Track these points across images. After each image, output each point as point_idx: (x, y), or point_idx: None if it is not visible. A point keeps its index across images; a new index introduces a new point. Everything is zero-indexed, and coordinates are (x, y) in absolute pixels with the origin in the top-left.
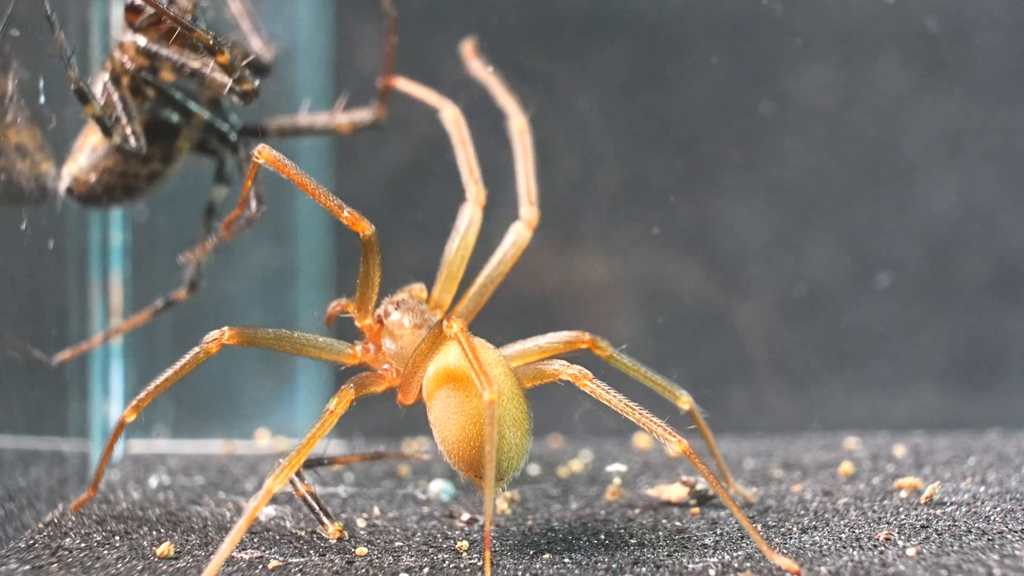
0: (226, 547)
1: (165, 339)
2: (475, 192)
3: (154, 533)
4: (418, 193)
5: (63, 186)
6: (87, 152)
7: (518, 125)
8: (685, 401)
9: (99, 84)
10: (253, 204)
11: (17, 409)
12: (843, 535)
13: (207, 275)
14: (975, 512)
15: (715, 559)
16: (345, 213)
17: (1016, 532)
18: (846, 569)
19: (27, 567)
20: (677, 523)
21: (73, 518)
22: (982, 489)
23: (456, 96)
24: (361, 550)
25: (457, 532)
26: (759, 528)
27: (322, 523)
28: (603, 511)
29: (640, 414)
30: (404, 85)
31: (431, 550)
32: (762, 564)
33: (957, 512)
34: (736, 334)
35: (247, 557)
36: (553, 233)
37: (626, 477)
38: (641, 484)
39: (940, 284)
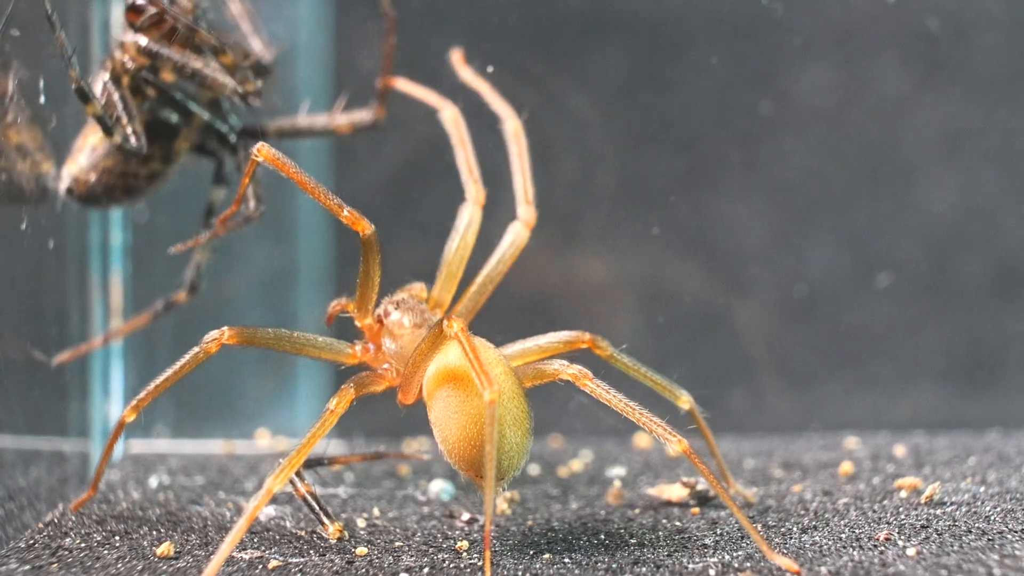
0: (226, 547)
1: (165, 339)
2: (474, 192)
3: (154, 533)
4: (418, 193)
5: (63, 186)
6: (87, 152)
7: (512, 128)
8: (685, 401)
9: (99, 84)
10: (252, 203)
11: (17, 409)
12: (843, 535)
13: (207, 275)
14: (975, 512)
15: (715, 559)
16: (345, 212)
17: (1016, 532)
18: (846, 569)
19: (27, 567)
20: (677, 523)
21: (73, 518)
22: (982, 489)
23: (455, 96)
24: (361, 550)
25: (457, 532)
26: (759, 528)
27: (322, 523)
28: (603, 511)
29: (640, 414)
30: (403, 85)
31: (431, 550)
32: (762, 564)
33: (957, 512)
34: (736, 334)
35: (247, 557)
36: (553, 233)
37: (626, 477)
38: (641, 484)
39: (940, 284)
